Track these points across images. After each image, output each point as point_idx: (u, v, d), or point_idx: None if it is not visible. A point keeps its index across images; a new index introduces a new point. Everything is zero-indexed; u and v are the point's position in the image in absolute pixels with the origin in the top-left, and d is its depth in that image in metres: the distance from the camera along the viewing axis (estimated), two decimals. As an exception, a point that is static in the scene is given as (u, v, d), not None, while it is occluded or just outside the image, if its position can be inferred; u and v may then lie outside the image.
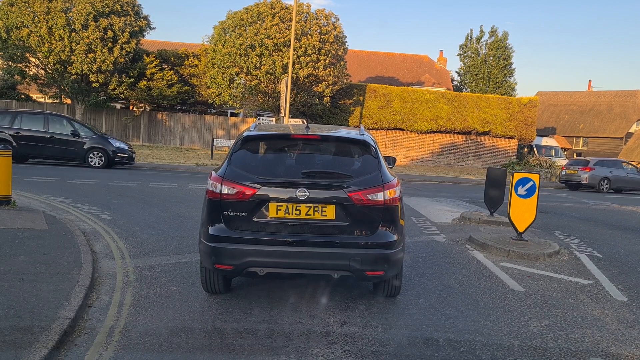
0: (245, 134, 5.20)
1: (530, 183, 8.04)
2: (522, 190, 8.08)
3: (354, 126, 6.36)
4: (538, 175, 8.14)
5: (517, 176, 8.14)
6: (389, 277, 5.02)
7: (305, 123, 6.13)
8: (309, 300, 5.33)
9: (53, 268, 5.86)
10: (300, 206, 4.69)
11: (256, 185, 4.73)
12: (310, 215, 4.70)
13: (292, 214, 4.71)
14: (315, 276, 5.86)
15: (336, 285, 5.86)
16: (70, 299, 4.96)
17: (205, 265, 5.07)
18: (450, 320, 4.93)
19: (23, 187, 11.98)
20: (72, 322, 4.48)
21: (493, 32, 46.50)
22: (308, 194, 4.67)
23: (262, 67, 25.88)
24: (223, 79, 27.18)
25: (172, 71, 29.80)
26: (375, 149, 5.09)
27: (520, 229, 8.21)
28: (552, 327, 4.86)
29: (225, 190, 4.76)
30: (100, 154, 17.49)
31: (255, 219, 4.76)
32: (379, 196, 4.74)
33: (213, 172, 5.03)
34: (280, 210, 4.72)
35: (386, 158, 5.76)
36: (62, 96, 29.57)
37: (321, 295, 5.50)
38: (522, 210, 8.10)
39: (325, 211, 4.70)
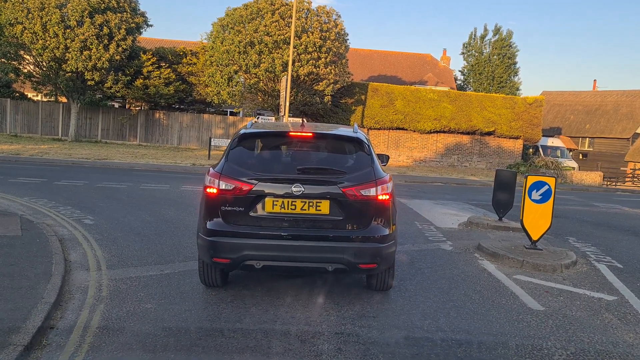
0: (242, 131, 5.29)
1: (546, 187, 7.39)
2: (536, 195, 7.44)
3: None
4: (554, 179, 7.49)
5: (531, 179, 7.49)
6: (381, 270, 5.17)
7: (302, 121, 5.84)
8: (304, 306, 4.72)
9: (17, 282, 5.26)
10: (295, 201, 4.80)
11: (253, 181, 4.83)
12: (305, 210, 4.81)
13: (288, 209, 4.82)
14: (311, 278, 5.79)
15: (333, 285, 5.55)
16: (29, 319, 4.37)
17: (203, 258, 5.16)
18: (462, 347, 4.29)
19: (7, 188, 11.41)
20: (24, 350, 3.88)
21: (497, 30, 45.87)
22: (303, 189, 4.77)
23: (261, 65, 25.25)
24: (221, 77, 26.56)
25: (169, 69, 29.14)
26: (368, 146, 5.21)
27: (534, 237, 7.56)
28: (580, 357, 4.21)
29: (222, 185, 4.87)
30: None
31: (252, 214, 4.86)
32: (372, 192, 4.86)
33: (211, 169, 5.12)
34: (276, 205, 4.82)
35: (379, 156, 5.82)
36: (57, 94, 28.93)
37: (317, 297, 5.23)
38: (537, 217, 7.45)
39: (319, 206, 4.82)
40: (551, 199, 7.40)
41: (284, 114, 22.28)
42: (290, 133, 5.35)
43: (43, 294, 4.99)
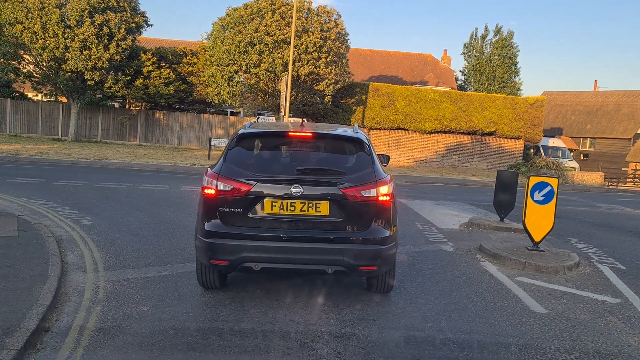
0: (240, 131, 5.21)
1: (548, 188, 7.31)
2: (538, 196, 7.35)
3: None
4: (556, 180, 7.41)
5: (534, 180, 7.41)
6: (382, 272, 5.09)
7: (302, 121, 5.74)
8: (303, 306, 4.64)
9: (12, 284, 5.18)
10: (294, 202, 4.72)
11: (251, 182, 4.75)
12: (304, 211, 4.73)
13: (287, 210, 4.74)
14: (311, 279, 5.70)
15: (332, 287, 5.49)
16: (24, 322, 4.29)
17: (201, 260, 5.10)
18: (464, 350, 4.22)
19: (5, 188, 11.34)
20: (19, 353, 3.81)
21: (498, 30, 45.80)
22: (302, 190, 4.69)
23: (261, 64, 25.18)
24: (222, 77, 26.47)
25: (169, 69, 29.05)
26: (368, 146, 5.12)
27: (537, 238, 7.48)
28: (585, 361, 4.14)
29: (220, 186, 4.79)
30: None
31: (250, 215, 4.77)
32: (372, 192, 4.78)
33: (209, 169, 5.04)
34: (275, 206, 4.74)
35: (380, 156, 5.73)
36: (57, 94, 28.85)
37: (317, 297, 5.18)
38: (539, 218, 7.37)
39: (319, 207, 4.74)
40: (554, 200, 7.33)
41: (284, 114, 22.21)
42: (290, 133, 5.25)
43: (39, 296, 4.92)
